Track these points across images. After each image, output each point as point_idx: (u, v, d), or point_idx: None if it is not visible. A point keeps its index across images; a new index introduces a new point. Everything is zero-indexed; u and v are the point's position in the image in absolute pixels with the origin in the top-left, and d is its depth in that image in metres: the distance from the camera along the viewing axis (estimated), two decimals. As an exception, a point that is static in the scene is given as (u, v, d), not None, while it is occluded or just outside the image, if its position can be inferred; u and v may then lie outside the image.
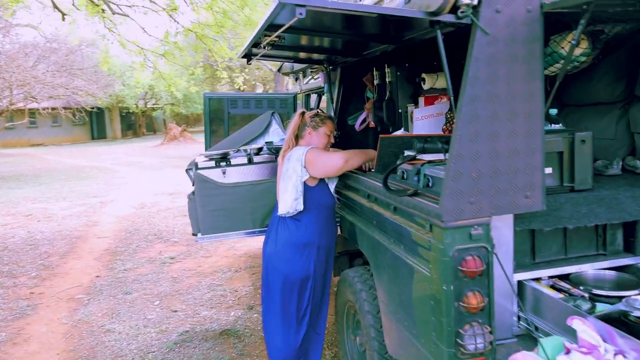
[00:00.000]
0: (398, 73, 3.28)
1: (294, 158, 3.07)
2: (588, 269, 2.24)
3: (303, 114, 3.21)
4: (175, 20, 7.90)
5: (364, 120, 3.76)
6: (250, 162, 3.98)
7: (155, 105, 36.75)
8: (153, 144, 28.01)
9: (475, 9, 1.80)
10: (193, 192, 4.03)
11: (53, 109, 22.15)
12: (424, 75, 3.17)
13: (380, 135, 2.69)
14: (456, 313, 1.92)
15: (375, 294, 2.92)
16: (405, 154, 2.49)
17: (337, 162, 2.95)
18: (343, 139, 3.72)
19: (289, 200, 3.06)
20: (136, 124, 38.36)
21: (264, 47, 2.61)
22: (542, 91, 1.91)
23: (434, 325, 2.02)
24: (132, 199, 11.20)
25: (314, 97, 4.88)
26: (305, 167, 3.02)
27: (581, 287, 2.14)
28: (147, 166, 18.00)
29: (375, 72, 3.55)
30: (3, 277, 6.03)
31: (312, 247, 3.15)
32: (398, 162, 2.50)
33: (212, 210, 3.90)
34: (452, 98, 2.00)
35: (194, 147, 25.00)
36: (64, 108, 22.53)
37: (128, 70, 30.69)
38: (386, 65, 3.34)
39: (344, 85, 3.63)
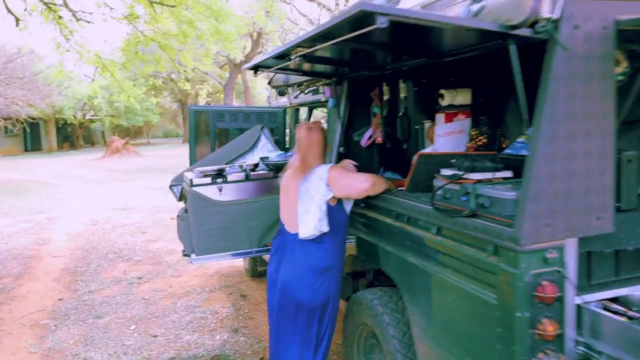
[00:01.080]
0: (415, 88, 3.21)
1: (315, 176, 2.91)
2: (638, 291, 2.22)
3: (321, 128, 3.06)
4: (137, 29, 7.52)
5: (370, 136, 3.66)
6: (247, 178, 3.79)
7: (94, 117, 35.32)
8: (93, 157, 26.80)
9: (555, 23, 1.73)
10: (185, 210, 3.79)
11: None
12: (442, 91, 3.11)
13: (420, 153, 2.59)
14: (531, 341, 1.83)
15: (400, 317, 2.81)
16: (449, 173, 2.39)
17: (362, 184, 2.81)
18: (348, 156, 3.59)
19: (312, 222, 2.89)
20: (74, 135, 36.67)
21: (293, 59, 2.45)
22: (614, 110, 1.87)
23: (500, 353, 1.93)
24: (81, 215, 10.59)
25: (302, 111, 4.75)
26: (328, 185, 2.87)
27: (634, 309, 2.11)
28: (90, 180, 17.16)
29: (385, 87, 3.46)
30: (-48, 303, 5.48)
31: (333, 270, 2.99)
32: (443, 182, 2.40)
33: (208, 229, 3.67)
34: (524, 116, 1.92)
35: (138, 160, 24.13)
36: (4, 118, 21.19)
37: (66, 80, 29.39)
38: (401, 81, 3.26)
39: (351, 100, 3.52)
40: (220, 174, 3.73)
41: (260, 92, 41.91)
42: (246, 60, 18.94)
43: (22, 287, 5.99)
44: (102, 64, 7.93)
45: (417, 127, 3.24)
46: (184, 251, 3.95)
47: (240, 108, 4.78)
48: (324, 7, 15.30)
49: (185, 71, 9.34)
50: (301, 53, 2.41)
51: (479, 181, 2.26)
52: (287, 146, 4.72)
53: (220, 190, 3.69)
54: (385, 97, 3.48)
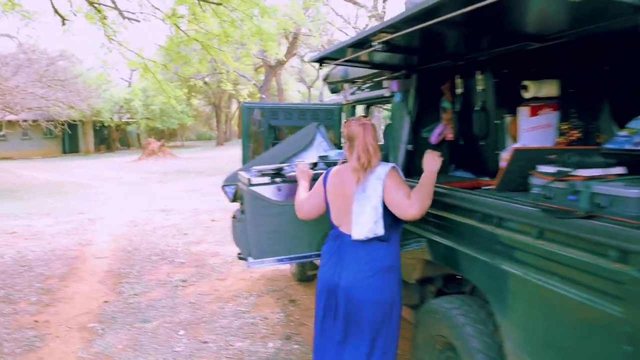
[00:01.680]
0: (495, 80, 2.95)
1: (374, 175, 2.70)
2: None
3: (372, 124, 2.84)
4: (180, 29, 7.45)
5: (439, 133, 3.42)
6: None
7: (130, 119, 35.87)
8: (129, 159, 27.15)
9: None
10: (242, 211, 3.61)
11: (34, 121, 21.22)
12: (526, 82, 2.85)
13: (515, 148, 2.34)
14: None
15: (483, 328, 2.56)
16: (551, 170, 2.14)
17: (410, 211, 2.59)
18: (417, 154, 3.36)
19: (367, 223, 2.68)
20: (110, 138, 37.31)
21: (375, 45, 2.24)
22: None
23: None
24: (121, 216, 10.59)
25: (359, 108, 4.54)
26: (383, 187, 2.66)
27: None
28: (127, 182, 17.29)
29: (458, 80, 3.22)
30: (0, 303, 5.43)
31: (396, 269, 2.80)
32: (544, 179, 2.14)
33: (267, 231, 3.48)
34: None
35: (174, 162, 24.32)
36: (46, 120, 21.60)
37: (104, 83, 29.91)
38: (478, 72, 3.01)
39: (420, 95, 3.29)
40: (278, 172, 3.54)
41: (292, 94, 41.99)
42: (282, 62, 18.87)
43: (67, 289, 5.92)
44: (144, 64, 7.87)
45: (497, 121, 2.98)
46: (239, 254, 3.78)
47: (295, 105, 4.60)
48: (361, 6, 15.09)
49: (227, 71, 9.23)
50: (385, 39, 2.19)
51: (590, 178, 2.00)
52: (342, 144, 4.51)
53: (280, 190, 3.50)
54: (458, 91, 3.23)
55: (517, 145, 2.48)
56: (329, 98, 5.20)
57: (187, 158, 26.83)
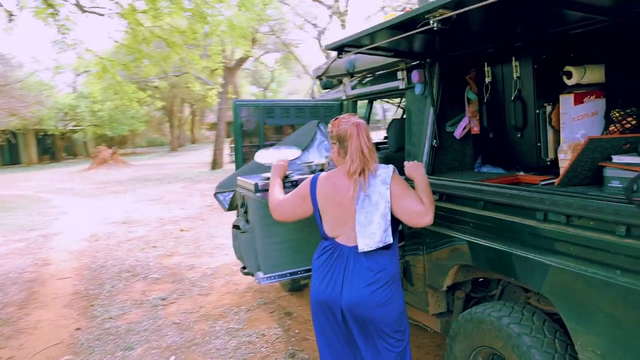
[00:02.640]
0: (535, 66, 2.67)
1: (378, 180, 2.41)
2: None
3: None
4: (141, 24, 6.87)
5: (464, 127, 3.12)
6: (318, 180, 3.21)
7: (76, 127, 34.24)
8: (78, 169, 25.85)
9: None
10: (247, 221, 3.20)
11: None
12: (569, 68, 2.58)
13: (590, 137, 2.05)
14: None
15: (543, 338, 2.29)
16: (632, 160, 1.86)
17: (424, 219, 2.40)
18: (442, 150, 3.06)
19: (377, 234, 2.40)
20: (55, 147, 35.53)
21: (433, 23, 1.91)
22: None
23: None
24: (79, 231, 9.85)
25: (360, 103, 4.18)
26: (390, 193, 2.40)
27: None
28: (80, 193, 16.34)
29: (487, 68, 2.92)
30: (-47, 340, 4.78)
31: (398, 275, 2.57)
32: (625, 170, 1.86)
33: (277, 242, 3.10)
34: None
35: (128, 170, 23.30)
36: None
37: (45, 88, 28.43)
38: (514, 59, 2.73)
39: (444, 85, 2.98)
40: (286, 176, 3.15)
41: (246, 97, 41.20)
42: (240, 63, 18.25)
43: (29, 317, 5.30)
44: (102, 64, 7.24)
45: (537, 111, 2.70)
46: (244, 269, 3.37)
47: (293, 101, 4.21)
48: (323, 3, 14.72)
49: (184, 73, 8.67)
50: (445, 16, 1.86)
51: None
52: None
53: (289, 195, 3.11)
54: (487, 80, 2.94)
55: (591, 135, 2.20)
56: (321, 94, 4.83)
57: (141, 165, 25.82)
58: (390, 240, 2.40)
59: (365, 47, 2.66)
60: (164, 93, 32.69)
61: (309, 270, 3.19)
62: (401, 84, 3.28)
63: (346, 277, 2.47)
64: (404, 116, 4.82)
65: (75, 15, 6.56)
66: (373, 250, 2.41)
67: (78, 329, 4.88)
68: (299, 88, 61.31)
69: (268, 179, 3.12)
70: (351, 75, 3.76)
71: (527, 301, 2.70)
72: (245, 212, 3.19)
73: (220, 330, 4.60)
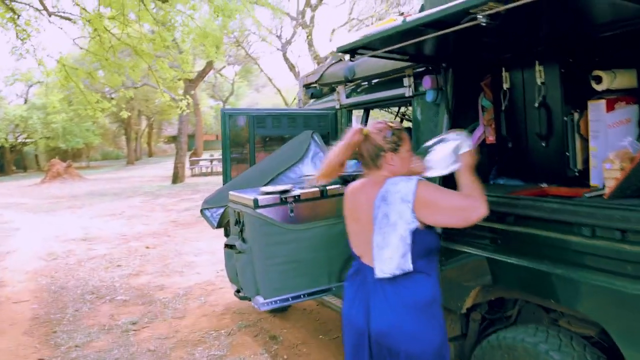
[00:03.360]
0: (562, 71, 2.51)
1: (397, 197, 2.12)
2: None
3: (366, 133, 2.27)
4: (108, 31, 6.46)
5: (479, 136, 2.93)
6: (323, 195, 2.96)
7: (27, 139, 32.81)
8: (30, 183, 24.68)
9: None
10: (244, 240, 2.90)
11: None
12: (599, 72, 2.42)
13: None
14: None
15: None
16: None
17: (472, 214, 2.05)
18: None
19: (395, 258, 2.11)
20: (4, 160, 33.91)
21: (482, 17, 1.70)
22: None
23: None
24: (35, 249, 9.21)
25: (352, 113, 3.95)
26: (414, 211, 2.10)
27: None
28: (33, 208, 15.46)
29: (504, 74, 2.74)
30: None
31: (437, 303, 2.24)
32: None
33: (279, 263, 2.81)
34: None
35: (84, 185, 22.37)
36: None
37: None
38: (537, 63, 2.56)
39: (457, 92, 2.79)
40: (285, 191, 2.88)
41: (204, 110, 40.58)
42: (201, 74, 17.83)
43: (-15, 346, 4.79)
44: (65, 72, 6.78)
45: (565, 118, 2.53)
46: (238, 292, 3.06)
47: (285, 111, 3.95)
48: (288, 15, 14.52)
49: (139, 86, 8.24)
50: (495, 10, 1.65)
51: None
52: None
53: (292, 211, 2.84)
54: (505, 86, 2.76)
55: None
56: (309, 103, 4.58)
57: (97, 179, 24.86)
58: (408, 267, 2.11)
59: (381, 50, 2.44)
60: (121, 105, 31.81)
61: (312, 294, 2.92)
62: (407, 91, 3.07)
63: (372, 303, 2.22)
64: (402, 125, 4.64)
65: (38, 20, 6.12)
66: (402, 275, 2.15)
67: (40, 359, 4.42)
68: (258, 101, 61.04)
69: (268, 193, 2.84)
70: (349, 82, 3.54)
71: (556, 324, 2.50)
72: (241, 231, 2.89)
73: (201, 358, 4.24)
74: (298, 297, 2.86)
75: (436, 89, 2.78)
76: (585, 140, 2.54)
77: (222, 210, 3.49)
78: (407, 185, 2.12)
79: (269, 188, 2.91)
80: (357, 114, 3.98)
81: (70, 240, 9.80)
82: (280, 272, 2.80)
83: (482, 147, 2.97)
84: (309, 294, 2.89)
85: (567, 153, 2.53)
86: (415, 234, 2.11)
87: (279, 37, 16.00)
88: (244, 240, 2.89)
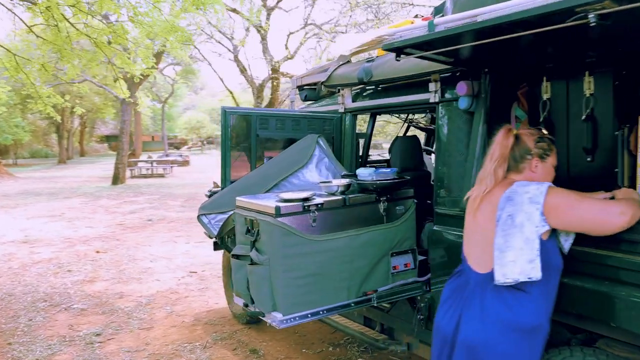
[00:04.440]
0: (616, 83, 2.49)
1: (525, 198, 2.05)
2: None
3: (516, 134, 2.22)
4: (66, 19, 5.97)
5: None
6: (346, 204, 2.83)
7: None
8: (-49, 179, 22.87)
9: None
10: (259, 250, 2.71)
11: None
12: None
13: None
14: None
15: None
16: None
17: (615, 220, 1.93)
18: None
19: (518, 263, 2.00)
20: None
21: (593, 17, 1.62)
22: None
23: None
24: (-32, 251, 8.47)
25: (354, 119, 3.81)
26: (544, 214, 2.03)
27: None
28: (-42, 207, 14.29)
29: (545, 83, 2.71)
30: None
31: (541, 332, 2.09)
32: None
33: (299, 277, 2.66)
34: None
35: (15, 184, 20.96)
36: None
37: None
38: (587, 73, 2.53)
39: (494, 100, 2.73)
40: (306, 198, 2.72)
41: (143, 111, 39.17)
42: (147, 74, 17.06)
43: None
44: (14, 62, 6.23)
45: (616, 133, 2.50)
46: (246, 306, 2.86)
47: (289, 112, 3.75)
48: (242, 15, 14.19)
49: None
50: (610, 10, 1.58)
51: None
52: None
53: (315, 221, 2.69)
54: (545, 96, 2.72)
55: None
56: (301, 106, 4.42)
57: (29, 178, 23.38)
58: (536, 274, 1.97)
59: (431, 52, 2.33)
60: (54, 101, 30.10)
61: (331, 310, 2.76)
62: (433, 97, 2.98)
63: (465, 309, 2.12)
64: (407, 133, 4.57)
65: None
66: (509, 287, 2.04)
67: (-4, 375, 4.00)
68: (195, 103, 59.73)
69: (288, 200, 2.66)
70: (363, 84, 3.41)
71: (593, 346, 2.44)
72: (255, 241, 2.69)
73: (180, 373, 3.97)
74: (317, 313, 2.69)
75: (471, 95, 2.71)
76: (632, 157, 2.50)
77: (221, 216, 3.27)
78: (538, 188, 2.05)
79: (288, 195, 2.73)
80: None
81: (9, 243, 9.08)
82: (300, 286, 2.63)
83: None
84: (328, 310, 2.73)
85: (616, 169, 2.49)
86: (541, 243, 2.01)
87: (231, 38, 15.65)
88: (257, 250, 2.70)
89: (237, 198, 2.93)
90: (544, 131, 2.23)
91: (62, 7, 6.09)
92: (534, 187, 2.07)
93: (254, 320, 4.87)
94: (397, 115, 4.57)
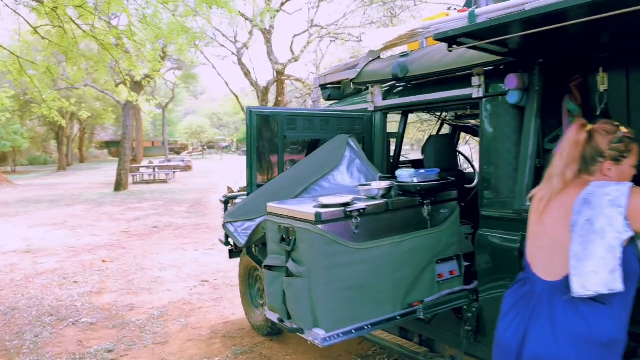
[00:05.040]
0: None
1: (605, 201, 1.81)
2: None
3: (590, 130, 1.98)
4: (72, 20, 5.75)
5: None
6: (389, 208, 2.59)
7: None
8: (-51, 188, 22.59)
9: None
10: (296, 261, 2.46)
11: None
12: None
13: None
14: None
15: None
16: None
17: None
18: (542, 171, 2.55)
19: (601, 273, 1.75)
20: None
21: None
22: None
23: None
24: (-32, 263, 8.20)
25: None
26: (627, 218, 1.78)
27: None
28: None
29: (601, 74, 2.48)
30: None
31: (619, 346, 1.86)
32: None
33: (342, 289, 2.41)
34: None
35: (15, 191, 20.68)
36: None
37: None
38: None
39: (546, 93, 2.49)
40: (347, 204, 2.48)
41: (143, 115, 39.03)
42: (147, 78, 16.84)
43: None
44: (19, 64, 5.99)
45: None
46: (281, 320, 2.61)
47: (317, 111, 3.52)
48: (247, 18, 14.02)
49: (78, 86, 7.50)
50: None
51: None
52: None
53: (357, 228, 2.45)
54: (602, 88, 2.49)
55: None
56: (326, 106, 4.18)
57: (29, 185, 23.12)
58: (618, 286, 1.75)
59: (485, 42, 2.10)
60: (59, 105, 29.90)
61: (376, 325, 2.51)
62: (476, 92, 2.74)
63: (532, 322, 1.89)
64: (440, 132, 4.33)
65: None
66: (582, 299, 1.81)
67: (4, 398, 3.74)
68: (196, 109, 59.58)
69: (327, 206, 2.42)
70: (398, 80, 3.16)
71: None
72: (292, 250, 2.45)
73: (202, 392, 3.71)
74: (362, 329, 2.44)
75: (522, 89, 2.47)
76: None
77: (249, 224, 3.02)
78: (618, 189, 1.82)
79: (327, 199, 2.49)
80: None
81: (11, 253, 8.81)
82: (343, 299, 2.38)
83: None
84: (373, 325, 2.48)
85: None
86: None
87: (235, 41, 15.43)
88: (295, 261, 2.45)
89: (269, 204, 2.69)
90: (623, 128, 1.97)
91: (68, 8, 5.85)
92: (614, 188, 1.83)
93: (275, 332, 4.62)
94: (432, 113, 4.31)
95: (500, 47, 2.28)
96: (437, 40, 2.12)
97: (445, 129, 4.38)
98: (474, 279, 2.81)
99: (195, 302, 5.82)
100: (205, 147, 54.02)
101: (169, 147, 46.27)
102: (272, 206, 2.67)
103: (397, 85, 3.42)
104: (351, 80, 3.50)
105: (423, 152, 3.62)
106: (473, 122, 4.07)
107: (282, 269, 2.53)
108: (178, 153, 52.45)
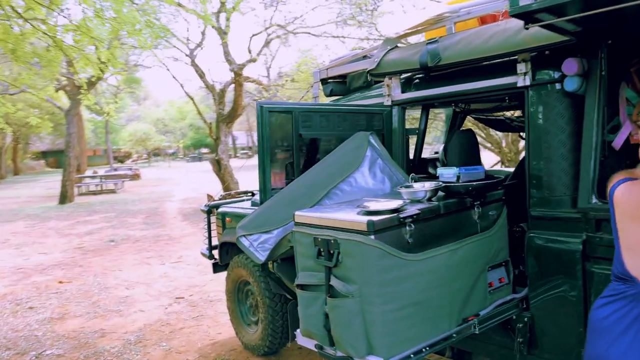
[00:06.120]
0: None
1: None
2: None
3: None
4: (21, 16, 5.11)
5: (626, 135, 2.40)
6: (440, 212, 2.28)
7: None
8: None
9: None
10: (340, 278, 2.12)
11: None
12: None
13: None
14: None
15: None
16: None
17: None
18: (606, 165, 2.31)
19: None
20: None
21: None
22: None
23: None
24: None
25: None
26: None
27: None
28: None
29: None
30: None
31: None
32: None
33: (399, 308, 2.08)
34: None
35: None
36: None
37: None
38: None
39: (608, 80, 2.25)
40: (397, 210, 2.16)
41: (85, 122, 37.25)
42: (95, 81, 15.87)
43: None
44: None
45: None
46: (320, 347, 2.26)
47: (334, 107, 3.16)
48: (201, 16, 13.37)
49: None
50: None
51: None
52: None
53: (411, 237, 2.12)
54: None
55: None
56: (329, 102, 3.82)
57: (-41, 202, 21.44)
58: None
59: (565, 18, 1.82)
60: (3, 110, 27.95)
61: (434, 346, 2.19)
62: (521, 80, 2.47)
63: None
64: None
65: None
66: None
67: None
68: (139, 114, 57.43)
69: (376, 212, 2.09)
70: (428, 70, 2.84)
71: None
72: (335, 266, 2.09)
73: None
74: (419, 352, 2.12)
75: (582, 75, 2.22)
76: None
77: (265, 236, 2.63)
78: None
79: (374, 205, 2.16)
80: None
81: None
82: (401, 319, 2.05)
83: (626, 148, 2.45)
84: (431, 347, 2.16)
85: None
86: None
87: (187, 41, 14.78)
88: (339, 278, 2.09)
89: (297, 213, 2.32)
90: None
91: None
92: None
93: (272, 352, 4.22)
94: (456, 106, 4.01)
95: (575, 25, 2.01)
96: (512, 16, 1.82)
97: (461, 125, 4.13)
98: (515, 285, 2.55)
99: (173, 322, 5.32)
100: (151, 154, 52.25)
101: (112, 155, 44.42)
102: (303, 215, 2.30)
103: (416, 76, 3.12)
104: (368, 72, 3.16)
105: (445, 149, 3.34)
106: (508, 114, 3.84)
107: (320, 287, 2.17)
108: (122, 161, 50.50)
